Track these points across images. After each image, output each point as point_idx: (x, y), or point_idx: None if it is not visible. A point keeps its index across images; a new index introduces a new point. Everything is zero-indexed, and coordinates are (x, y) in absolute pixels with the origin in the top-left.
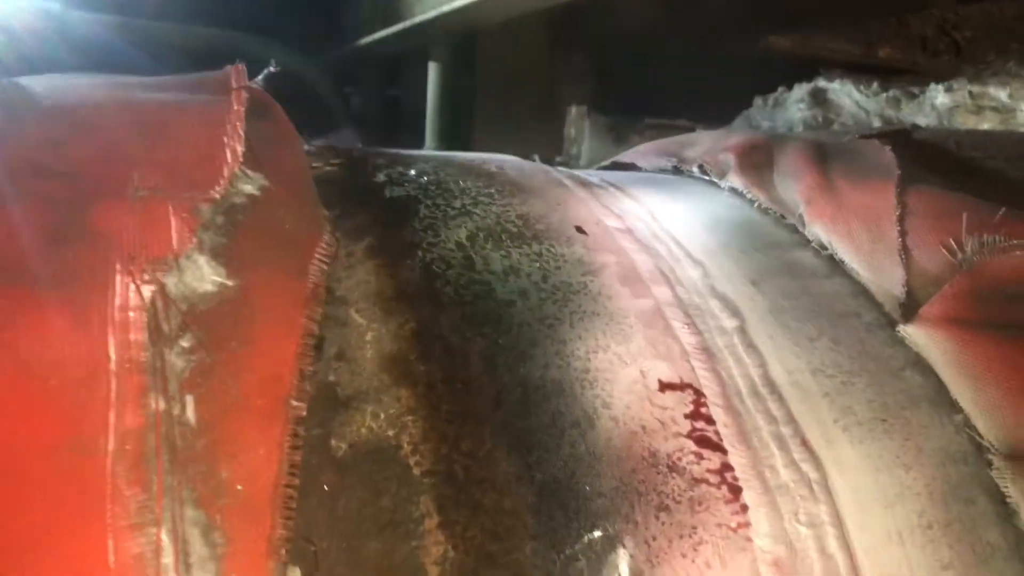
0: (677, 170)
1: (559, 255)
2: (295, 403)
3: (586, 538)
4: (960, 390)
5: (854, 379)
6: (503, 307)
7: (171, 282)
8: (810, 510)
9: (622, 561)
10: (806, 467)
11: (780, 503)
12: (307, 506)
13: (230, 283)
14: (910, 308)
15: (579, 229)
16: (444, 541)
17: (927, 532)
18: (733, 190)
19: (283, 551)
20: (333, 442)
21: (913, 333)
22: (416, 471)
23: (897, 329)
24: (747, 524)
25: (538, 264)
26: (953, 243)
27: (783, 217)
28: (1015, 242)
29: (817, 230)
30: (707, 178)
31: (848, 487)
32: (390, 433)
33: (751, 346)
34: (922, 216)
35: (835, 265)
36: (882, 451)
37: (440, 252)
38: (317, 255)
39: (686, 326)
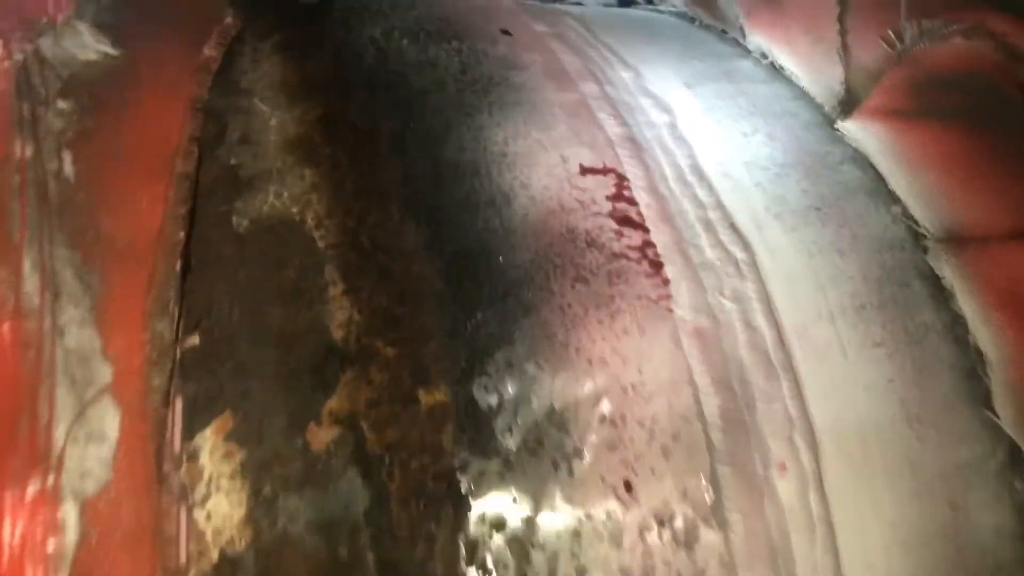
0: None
1: (481, 51)
2: (181, 160)
3: (498, 304)
4: (897, 179)
5: (788, 171)
6: (417, 96)
7: (46, 45)
8: (735, 286)
9: (534, 323)
10: (733, 248)
11: (703, 278)
12: (206, 276)
13: (115, 53)
14: (849, 105)
15: (504, 32)
16: (349, 306)
17: (860, 312)
18: (675, 12)
19: (168, 290)
20: (234, 219)
21: (851, 128)
22: (320, 244)
23: (835, 126)
24: (667, 296)
25: (457, 59)
26: (892, 34)
27: (725, 32)
28: (954, 27)
29: (757, 39)
30: (650, 5)
31: (778, 269)
32: (294, 210)
33: (680, 138)
34: (862, 10)
35: (775, 72)
36: (816, 237)
37: (351, 46)
38: (215, 34)
39: (612, 117)
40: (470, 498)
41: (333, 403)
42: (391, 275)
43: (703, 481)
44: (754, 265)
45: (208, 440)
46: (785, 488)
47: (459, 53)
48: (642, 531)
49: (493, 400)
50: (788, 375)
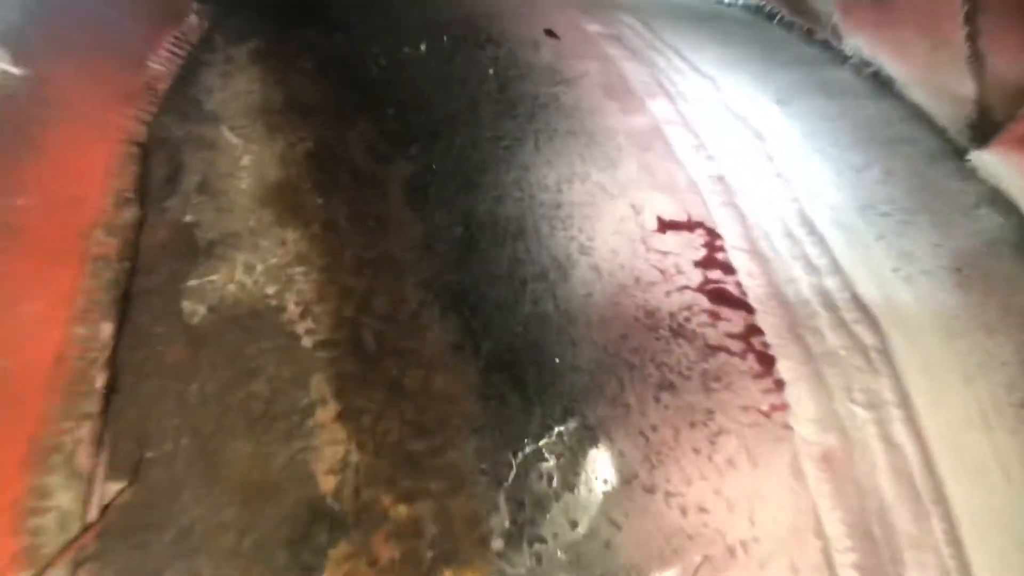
0: None
1: (522, 61)
2: (102, 231)
3: (556, 430)
4: None
5: (915, 218)
6: (441, 123)
7: None
8: (868, 385)
9: (606, 459)
10: (859, 329)
11: (828, 376)
12: (142, 393)
13: (16, 72)
14: (984, 129)
15: (549, 33)
16: (345, 439)
17: (1020, 412)
18: (748, 6)
19: (77, 428)
20: (186, 304)
21: (989, 161)
22: (306, 341)
23: (967, 157)
24: (784, 406)
25: (493, 71)
26: None
27: (811, 32)
28: None
29: (858, 42)
30: None
31: (915, 355)
32: (269, 291)
33: (781, 176)
34: (998, 8)
35: (882, 84)
36: (957, 309)
37: (352, 53)
38: (166, 44)
39: (695, 149)
40: None
41: None
42: (404, 391)
43: None
44: (886, 353)
45: None
46: None
47: (495, 63)
48: None
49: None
50: (939, 509)
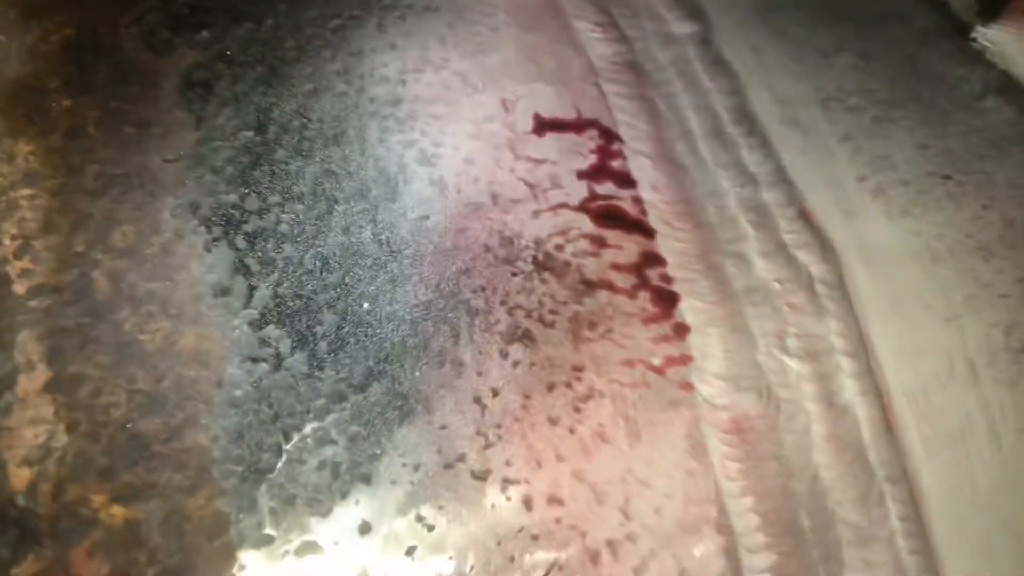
0: None
1: None
2: None
3: (351, 400)
4: None
5: (895, 113)
6: (254, 3)
7: None
8: (809, 329)
9: (420, 437)
10: (803, 255)
11: (751, 319)
12: None
13: None
14: (995, 1)
15: None
16: (52, 418)
17: (1020, 358)
18: None
19: None
20: None
21: (1000, 39)
22: (19, 287)
23: (972, 35)
24: (684, 359)
25: None
26: None
27: None
28: None
29: None
30: None
31: (880, 288)
32: None
33: (717, 62)
34: None
35: None
36: (944, 226)
37: None
38: None
39: (598, 28)
40: None
41: None
42: (142, 352)
43: None
44: (840, 286)
45: None
46: None
47: None
48: None
49: None
50: (898, 490)
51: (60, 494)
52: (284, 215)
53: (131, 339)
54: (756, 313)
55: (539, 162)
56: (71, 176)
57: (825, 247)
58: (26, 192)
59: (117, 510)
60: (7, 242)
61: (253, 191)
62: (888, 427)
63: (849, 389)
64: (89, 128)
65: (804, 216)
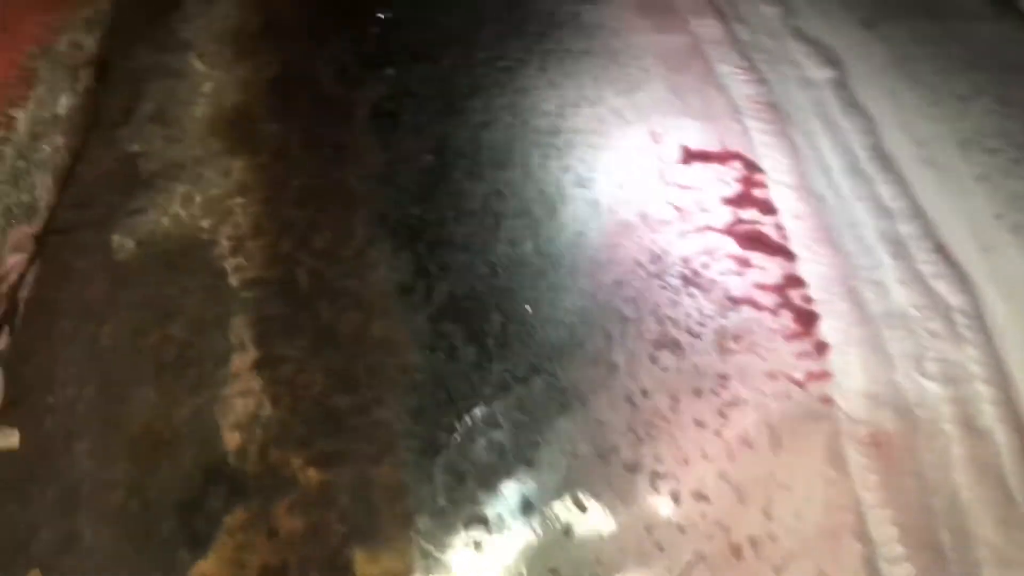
0: None
1: None
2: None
3: (516, 390)
4: None
5: None
6: (430, 43)
7: None
8: (948, 355)
9: (578, 428)
10: (940, 285)
11: (889, 341)
12: (54, 333)
13: None
14: None
15: None
16: (259, 391)
17: None
18: None
19: None
20: (115, 238)
21: None
22: (234, 280)
23: None
24: (825, 375)
25: None
26: None
27: None
28: None
29: None
30: None
31: (1020, 323)
32: (204, 224)
33: (853, 105)
34: None
35: (1004, 1)
36: None
37: None
38: None
39: (741, 70)
40: None
41: (203, 565)
42: (335, 338)
43: None
44: (977, 316)
45: None
46: None
47: None
48: None
49: (490, 569)
50: None
51: (264, 457)
52: (458, 228)
53: (328, 327)
54: (893, 336)
55: (686, 188)
56: (277, 189)
57: (963, 279)
58: (240, 201)
59: (313, 473)
60: (224, 242)
61: (432, 206)
62: None
63: (988, 415)
64: (293, 149)
65: (940, 249)
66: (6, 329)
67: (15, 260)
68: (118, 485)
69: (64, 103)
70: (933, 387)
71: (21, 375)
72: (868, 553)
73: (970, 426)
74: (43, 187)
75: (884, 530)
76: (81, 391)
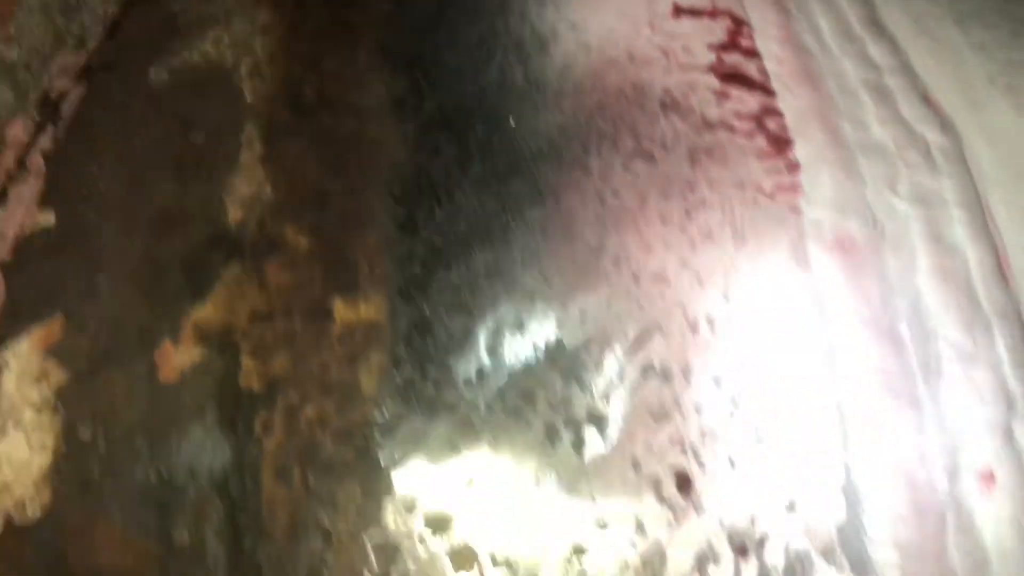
0: None
1: None
2: None
3: (493, 185)
4: None
5: None
6: None
7: None
8: (922, 182)
9: (547, 218)
10: (923, 128)
11: (864, 166)
12: (91, 141)
13: None
14: None
15: None
16: (261, 178)
17: None
18: None
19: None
20: (153, 71)
21: None
22: (248, 98)
23: None
24: (794, 188)
25: None
26: None
27: None
28: None
29: None
30: None
31: (1004, 165)
32: (228, 56)
33: None
34: None
35: None
36: None
37: None
38: None
39: None
40: (391, 475)
41: (201, 311)
42: (332, 138)
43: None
44: (958, 156)
45: (22, 354)
46: (992, 513)
47: None
48: (701, 565)
49: (457, 325)
50: (1008, 326)
51: (262, 227)
52: (453, 56)
53: (327, 130)
54: (869, 163)
55: (673, 36)
56: (294, 28)
57: (945, 125)
58: (260, 40)
59: (302, 239)
60: (243, 70)
61: (431, 43)
62: (1000, 271)
63: (960, 234)
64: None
65: (927, 102)
66: (51, 130)
67: (61, 79)
68: (135, 253)
69: None
70: (904, 206)
71: (59, 173)
72: (828, 344)
73: (940, 241)
74: (92, 26)
75: (845, 319)
76: (110, 187)
